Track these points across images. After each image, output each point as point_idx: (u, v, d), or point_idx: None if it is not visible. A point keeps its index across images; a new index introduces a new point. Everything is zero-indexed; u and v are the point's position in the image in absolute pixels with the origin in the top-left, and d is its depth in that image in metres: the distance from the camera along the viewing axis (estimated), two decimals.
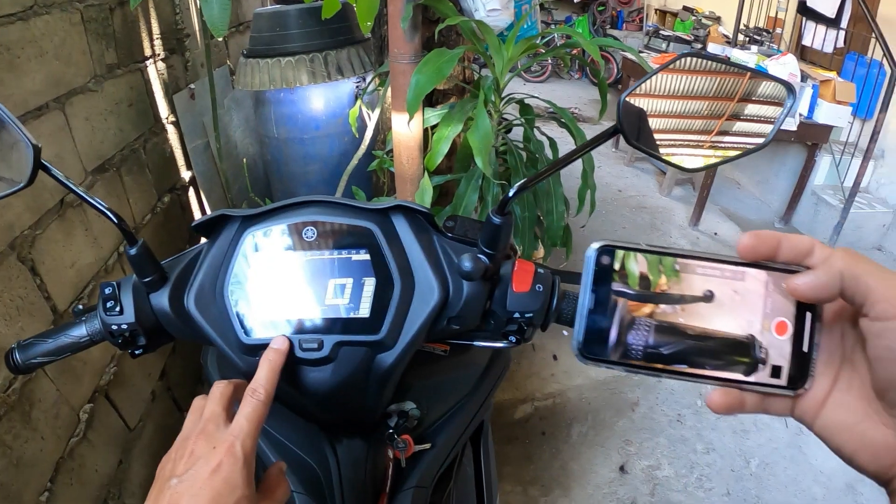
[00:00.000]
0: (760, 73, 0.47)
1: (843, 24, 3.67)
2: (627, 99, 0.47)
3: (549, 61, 6.75)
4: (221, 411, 0.47)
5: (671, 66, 0.47)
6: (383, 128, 1.78)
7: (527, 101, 1.69)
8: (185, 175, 1.96)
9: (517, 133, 1.76)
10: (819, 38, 3.89)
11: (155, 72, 1.75)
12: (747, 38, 4.54)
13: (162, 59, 1.79)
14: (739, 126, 0.50)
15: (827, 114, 3.15)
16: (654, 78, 0.47)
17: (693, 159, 0.51)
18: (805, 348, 0.35)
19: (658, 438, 1.96)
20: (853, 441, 0.34)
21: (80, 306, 0.64)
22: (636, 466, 1.87)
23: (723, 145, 0.51)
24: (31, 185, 0.54)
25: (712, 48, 4.41)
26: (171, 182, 1.86)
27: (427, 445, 0.71)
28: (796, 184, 3.47)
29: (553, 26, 6.63)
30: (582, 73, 7.10)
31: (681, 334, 0.36)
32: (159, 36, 1.77)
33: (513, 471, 1.82)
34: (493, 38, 1.40)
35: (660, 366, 0.36)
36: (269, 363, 0.51)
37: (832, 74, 3.36)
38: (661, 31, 5.69)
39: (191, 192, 2.00)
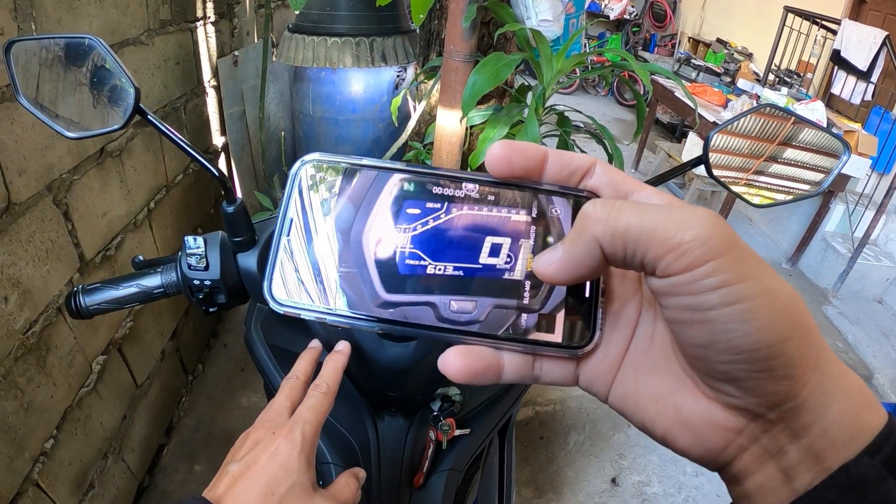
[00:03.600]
0: (823, 129, 0.52)
1: (874, 78, 3.70)
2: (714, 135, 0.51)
3: (578, 74, 6.76)
4: (288, 404, 0.48)
5: (755, 111, 0.51)
6: (422, 120, 1.79)
7: (567, 113, 1.69)
8: (219, 140, 1.96)
9: (547, 143, 1.76)
10: (848, 88, 3.91)
11: (203, 34, 1.75)
12: (777, 79, 4.56)
13: (211, 23, 1.79)
14: (798, 172, 0.55)
15: (847, 164, 3.17)
16: (738, 120, 0.52)
17: (756, 196, 0.56)
18: (587, 293, 0.26)
19: (650, 456, 1.98)
20: (665, 417, 0.24)
21: (140, 257, 0.63)
22: (627, 480, 1.89)
23: (782, 188, 0.56)
24: (124, 128, 0.53)
25: (742, 84, 4.42)
26: (205, 145, 1.86)
27: (467, 431, 0.72)
28: (808, 227, 3.50)
29: (586, 41, 6.63)
30: (608, 91, 7.11)
31: (411, 273, 0.26)
32: None
33: None
34: (546, 49, 1.40)
35: (386, 317, 0.26)
36: (334, 363, 0.52)
37: (857, 126, 3.40)
38: (693, 60, 5.69)
39: (222, 158, 2.00)
